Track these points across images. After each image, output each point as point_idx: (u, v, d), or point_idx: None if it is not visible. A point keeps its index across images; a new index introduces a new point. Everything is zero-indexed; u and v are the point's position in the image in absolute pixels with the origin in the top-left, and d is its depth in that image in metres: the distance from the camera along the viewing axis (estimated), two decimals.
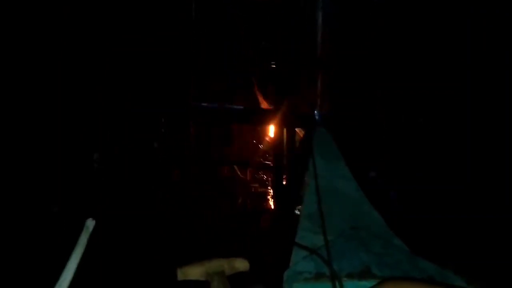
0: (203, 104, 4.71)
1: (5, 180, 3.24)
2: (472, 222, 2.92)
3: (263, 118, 4.65)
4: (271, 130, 4.93)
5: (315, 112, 3.56)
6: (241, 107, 4.90)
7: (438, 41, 3.44)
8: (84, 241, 1.07)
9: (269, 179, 5.08)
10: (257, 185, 5.10)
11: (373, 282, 1.24)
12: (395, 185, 3.44)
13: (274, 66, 4.71)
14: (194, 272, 1.50)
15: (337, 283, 1.43)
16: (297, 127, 4.24)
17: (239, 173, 5.17)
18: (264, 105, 4.92)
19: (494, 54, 3.20)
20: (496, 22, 3.14)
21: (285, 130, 4.37)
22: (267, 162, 5.21)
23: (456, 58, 3.35)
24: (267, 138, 5.21)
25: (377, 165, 3.56)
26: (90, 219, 1.14)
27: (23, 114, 3.45)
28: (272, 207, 4.64)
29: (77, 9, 3.65)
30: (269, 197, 4.84)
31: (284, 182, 4.41)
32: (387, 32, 3.69)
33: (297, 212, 2.22)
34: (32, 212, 3.23)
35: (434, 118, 3.50)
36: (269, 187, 4.99)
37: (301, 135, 4.25)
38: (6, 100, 3.37)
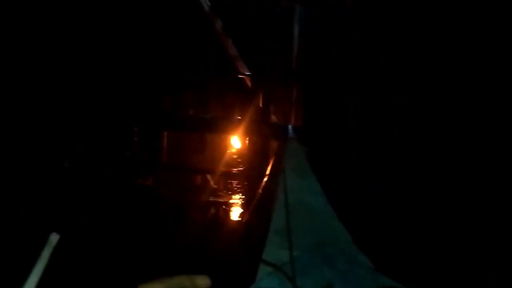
0: (176, 112, 4.68)
1: None
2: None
3: (235, 127, 4.64)
4: (245, 140, 4.93)
5: (289, 125, 3.58)
6: (212, 116, 4.91)
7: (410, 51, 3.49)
8: (46, 256, 1.04)
9: (242, 188, 5.07)
10: (228, 194, 5.09)
11: None
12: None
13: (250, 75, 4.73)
14: None
15: None
16: (270, 138, 4.26)
17: (211, 182, 5.15)
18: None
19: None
20: (492, 24, 3.20)
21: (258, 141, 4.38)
22: (238, 171, 5.20)
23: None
24: (239, 147, 5.21)
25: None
26: (54, 233, 1.11)
27: None
28: (241, 218, 4.63)
29: None
30: (239, 207, 4.83)
31: (256, 193, 4.41)
32: (360, 42, 3.74)
33: None
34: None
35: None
36: (241, 197, 4.99)
37: (276, 147, 4.27)
38: None
